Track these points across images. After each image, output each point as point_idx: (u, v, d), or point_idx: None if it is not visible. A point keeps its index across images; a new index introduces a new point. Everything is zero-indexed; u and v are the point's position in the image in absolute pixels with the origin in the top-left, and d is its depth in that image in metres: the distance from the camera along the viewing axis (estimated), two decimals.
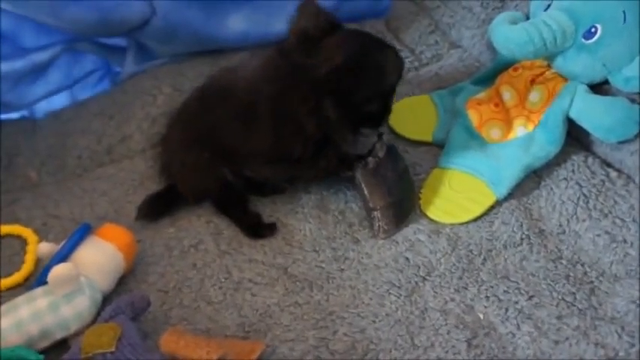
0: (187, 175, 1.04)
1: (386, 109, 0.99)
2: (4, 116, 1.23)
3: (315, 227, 1.01)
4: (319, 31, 0.94)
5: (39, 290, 0.90)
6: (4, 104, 1.18)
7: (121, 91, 1.22)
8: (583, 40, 0.99)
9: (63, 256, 0.91)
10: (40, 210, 1.09)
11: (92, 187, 1.11)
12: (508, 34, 1.00)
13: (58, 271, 0.87)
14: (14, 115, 1.25)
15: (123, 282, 0.96)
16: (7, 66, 1.14)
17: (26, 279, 0.99)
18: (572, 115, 1.01)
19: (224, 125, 1.00)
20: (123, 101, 1.20)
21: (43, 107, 1.26)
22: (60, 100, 1.27)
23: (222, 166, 1.03)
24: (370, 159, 0.97)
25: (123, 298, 0.88)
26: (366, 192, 0.97)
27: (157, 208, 1.05)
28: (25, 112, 1.27)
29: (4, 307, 0.88)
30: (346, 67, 0.91)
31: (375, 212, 0.98)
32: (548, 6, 1.03)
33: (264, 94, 0.95)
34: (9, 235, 1.06)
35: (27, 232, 1.05)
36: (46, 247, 0.93)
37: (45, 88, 1.21)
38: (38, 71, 1.18)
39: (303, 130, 0.94)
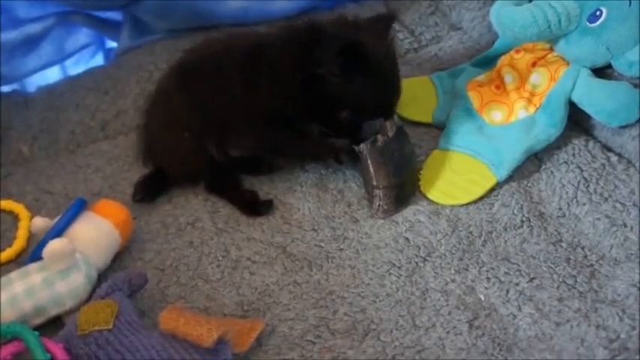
0: (173, 158, 1.02)
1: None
2: None
3: (314, 206, 1.00)
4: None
5: (33, 266, 0.88)
6: None
7: (116, 66, 1.20)
8: (587, 23, 0.99)
9: (58, 232, 0.89)
10: (33, 185, 1.07)
11: (86, 162, 1.09)
12: (512, 16, 0.99)
13: (53, 246, 0.85)
14: (5, 89, 1.22)
15: (118, 259, 0.94)
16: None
17: (18, 255, 0.98)
18: (575, 98, 1.00)
19: (209, 95, 0.98)
20: (118, 76, 1.18)
21: (34, 81, 1.23)
22: (52, 75, 1.24)
23: (207, 144, 1.01)
24: (379, 137, 0.96)
25: (119, 275, 0.87)
26: (371, 169, 0.96)
27: (152, 189, 1.03)
28: (16, 86, 1.24)
29: None
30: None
31: (378, 191, 0.97)
32: None
33: (270, 51, 0.95)
34: (1, 211, 1.04)
35: (19, 208, 1.03)
36: (40, 222, 0.91)
37: (38, 61, 1.20)
38: (31, 43, 1.16)
39: (299, 89, 0.93)
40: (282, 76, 0.94)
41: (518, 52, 1.08)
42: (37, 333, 0.80)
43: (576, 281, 0.88)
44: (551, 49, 1.05)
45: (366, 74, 0.93)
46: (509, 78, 1.06)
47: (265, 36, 0.98)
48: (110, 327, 0.79)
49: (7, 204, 1.04)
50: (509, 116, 1.04)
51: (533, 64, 1.05)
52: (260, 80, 0.95)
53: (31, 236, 0.99)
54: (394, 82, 0.98)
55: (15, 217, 1.03)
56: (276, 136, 0.99)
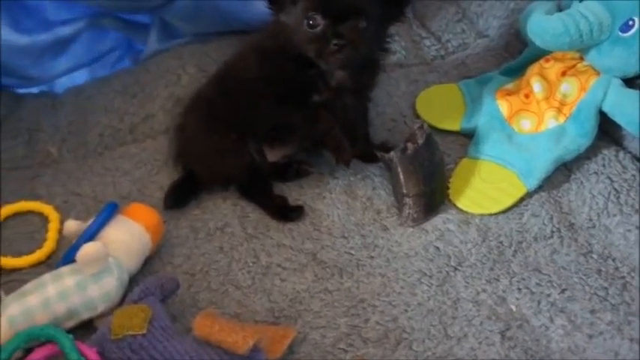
0: (210, 161, 1.03)
1: None
2: (24, 91, 1.21)
3: (344, 213, 1.00)
4: None
5: (66, 269, 0.88)
6: (27, 78, 1.17)
7: (144, 70, 1.20)
8: (620, 33, 0.98)
9: (91, 235, 0.89)
10: (61, 187, 1.07)
11: (114, 165, 1.10)
12: (544, 25, 0.99)
13: (87, 250, 0.85)
14: (34, 90, 1.23)
15: (148, 263, 0.94)
16: (30, 39, 1.12)
17: (49, 256, 0.98)
18: (606, 108, 1.00)
19: (240, 72, 1.00)
20: (146, 80, 1.18)
21: (63, 83, 1.24)
22: (80, 77, 1.25)
23: (250, 144, 1.01)
24: (409, 145, 0.96)
25: (152, 280, 0.87)
26: (401, 177, 0.96)
27: (183, 195, 1.03)
28: (45, 87, 1.24)
29: (30, 284, 0.87)
30: None
31: (408, 199, 0.97)
32: None
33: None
34: (30, 212, 1.04)
35: (48, 209, 1.03)
36: (72, 225, 0.91)
37: (67, 64, 1.20)
38: (61, 46, 1.16)
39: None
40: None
41: (547, 61, 1.07)
42: (71, 336, 0.81)
43: (608, 293, 0.88)
44: (581, 58, 1.05)
45: None
46: (538, 87, 1.06)
47: None
48: (144, 332, 0.79)
49: (37, 205, 1.04)
50: (539, 125, 1.04)
51: (563, 74, 1.05)
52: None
53: (61, 238, 0.99)
54: None
55: (44, 219, 1.03)
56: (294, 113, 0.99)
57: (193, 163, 1.05)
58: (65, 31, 1.15)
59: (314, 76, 0.96)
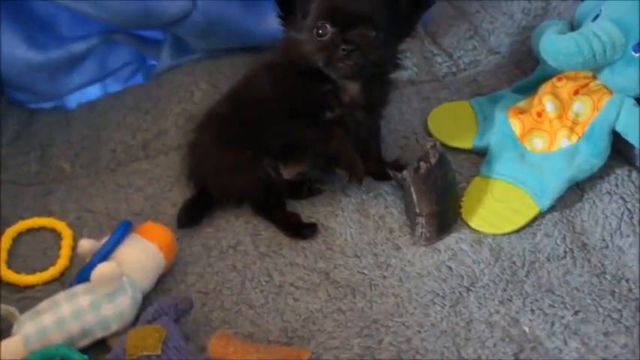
0: (224, 178, 1.03)
1: None
2: (37, 106, 1.22)
3: (356, 232, 1.00)
4: None
5: (80, 288, 0.88)
6: (40, 94, 1.17)
7: (157, 86, 1.20)
8: (632, 52, 0.98)
9: (105, 254, 0.89)
10: (74, 203, 1.07)
11: (127, 182, 1.10)
12: (557, 44, 0.99)
13: (102, 270, 0.86)
14: (47, 105, 1.23)
15: (161, 281, 0.95)
16: (44, 56, 1.13)
17: (62, 274, 0.98)
18: (619, 128, 1.00)
19: (260, 115, 1.00)
20: (158, 96, 1.18)
21: (75, 98, 1.24)
22: (92, 92, 1.25)
23: (264, 161, 1.01)
24: (422, 164, 0.96)
25: (166, 300, 0.87)
26: (414, 197, 0.96)
27: (196, 214, 1.03)
28: (57, 102, 1.25)
29: (44, 303, 0.87)
30: None
31: (420, 218, 0.97)
32: (597, 16, 1.02)
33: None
34: (43, 228, 1.04)
35: (61, 226, 1.04)
36: (87, 244, 0.91)
37: (80, 79, 1.21)
38: (75, 62, 1.17)
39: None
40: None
41: (560, 79, 1.07)
42: (86, 357, 0.81)
43: (622, 315, 0.87)
44: (594, 77, 1.05)
45: None
46: (551, 106, 1.06)
47: None
48: (159, 352, 0.79)
49: (50, 221, 1.04)
50: (552, 145, 1.04)
51: (576, 93, 1.05)
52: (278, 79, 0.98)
53: (74, 255, 1.00)
54: None
55: (57, 235, 1.03)
56: (307, 130, 1.00)
57: (207, 180, 1.05)
58: (79, 47, 1.15)
59: (326, 92, 0.96)
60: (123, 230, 0.92)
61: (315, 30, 0.92)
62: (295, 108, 0.98)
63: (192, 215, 1.03)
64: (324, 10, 0.92)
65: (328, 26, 0.91)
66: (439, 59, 1.26)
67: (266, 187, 1.02)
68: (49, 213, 1.06)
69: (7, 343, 0.83)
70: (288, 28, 0.97)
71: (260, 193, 1.03)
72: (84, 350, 0.85)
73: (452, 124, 1.13)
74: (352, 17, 0.91)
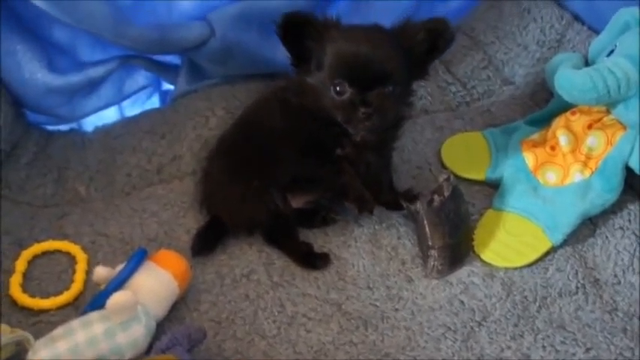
0: (235, 207, 1.03)
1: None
2: (53, 128, 1.23)
3: (369, 263, 1.01)
4: None
5: (95, 315, 0.89)
6: (59, 116, 1.18)
7: (173, 110, 1.21)
8: None
9: (120, 282, 0.90)
10: (89, 227, 1.08)
11: (142, 206, 1.11)
12: (572, 79, 1.00)
13: (118, 299, 0.86)
14: (63, 128, 1.24)
15: (174, 309, 0.95)
16: (63, 80, 1.14)
17: (76, 298, 0.99)
18: (632, 164, 1.00)
19: (265, 123, 1.01)
20: (174, 120, 1.19)
21: (91, 121, 1.26)
22: (108, 115, 1.27)
23: (272, 191, 1.02)
24: (436, 197, 0.97)
25: (179, 329, 0.87)
26: (427, 229, 0.97)
27: (210, 240, 1.04)
28: (74, 125, 1.26)
29: (59, 330, 0.87)
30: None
31: (433, 251, 0.97)
32: (611, 51, 1.03)
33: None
34: (58, 251, 1.05)
35: (76, 250, 1.04)
36: (103, 271, 0.92)
37: (97, 103, 1.22)
38: (92, 86, 1.18)
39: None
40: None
41: (574, 113, 1.08)
42: None
43: (634, 354, 0.88)
44: (608, 112, 1.05)
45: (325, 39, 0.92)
46: (564, 140, 1.06)
47: None
48: None
49: (64, 245, 1.05)
50: (565, 178, 1.05)
51: (590, 127, 1.05)
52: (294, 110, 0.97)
53: (88, 279, 1.00)
54: (362, 47, 0.92)
55: (72, 258, 1.04)
56: (316, 166, 1.00)
57: (217, 208, 1.06)
58: (97, 71, 1.17)
59: (338, 132, 0.96)
60: (138, 258, 0.93)
61: (332, 87, 0.91)
62: (305, 143, 0.98)
63: (205, 243, 1.03)
64: (342, 68, 0.91)
65: (346, 85, 0.90)
66: (453, 88, 1.26)
67: (275, 216, 1.03)
68: (64, 236, 1.07)
69: None
70: (301, 73, 0.96)
71: (269, 222, 1.03)
72: None
73: (465, 155, 1.13)
74: (372, 77, 0.90)
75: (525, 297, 0.95)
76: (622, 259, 0.98)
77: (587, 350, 0.89)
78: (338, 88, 0.91)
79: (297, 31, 0.93)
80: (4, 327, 0.88)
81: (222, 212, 1.05)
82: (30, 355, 0.86)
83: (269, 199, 1.02)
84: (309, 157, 0.98)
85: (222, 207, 1.05)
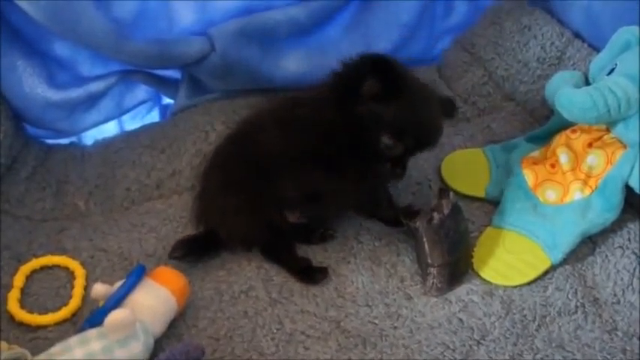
0: (230, 221, 1.03)
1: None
2: (52, 141, 1.23)
3: (368, 280, 1.00)
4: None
5: (93, 332, 0.88)
6: (58, 131, 1.19)
7: (173, 125, 1.22)
8: None
9: (119, 300, 0.90)
10: (88, 242, 1.08)
11: (141, 221, 1.10)
12: (572, 98, 1.00)
13: (116, 316, 0.86)
14: (63, 141, 1.24)
15: (173, 325, 0.94)
16: (63, 94, 1.14)
17: (74, 314, 0.98)
18: (632, 183, 1.00)
19: (262, 145, 1.00)
20: (174, 135, 1.19)
21: (91, 134, 1.26)
22: (108, 129, 1.27)
23: (267, 206, 1.02)
24: (435, 215, 0.96)
25: (178, 347, 0.87)
26: (426, 247, 0.97)
27: (194, 250, 1.03)
28: (73, 139, 1.26)
29: (57, 347, 0.87)
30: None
31: (432, 269, 0.97)
32: (612, 70, 1.03)
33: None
34: (57, 267, 1.05)
35: (74, 265, 1.04)
36: (100, 289, 0.91)
37: (97, 117, 1.23)
38: (93, 100, 1.19)
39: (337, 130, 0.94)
40: (317, 120, 0.96)
41: (574, 132, 1.08)
42: None
43: None
44: (608, 130, 1.05)
45: (402, 93, 0.91)
46: (564, 158, 1.06)
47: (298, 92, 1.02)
48: None
49: (63, 260, 1.05)
50: (564, 197, 1.05)
51: (590, 145, 1.05)
52: (297, 129, 0.97)
53: (86, 295, 1.00)
54: (433, 110, 0.95)
55: (70, 274, 1.04)
56: (322, 183, 0.99)
57: (214, 222, 1.05)
58: (97, 86, 1.17)
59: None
60: (137, 276, 0.92)
61: (385, 136, 0.91)
62: (306, 167, 0.98)
63: (188, 250, 1.02)
64: (412, 127, 0.92)
65: (399, 145, 0.92)
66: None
67: (272, 231, 1.02)
68: (62, 251, 1.07)
69: None
70: (348, 104, 0.93)
71: (266, 237, 1.03)
72: None
73: (465, 172, 1.13)
74: (430, 145, 0.95)
75: (524, 316, 0.95)
76: (621, 279, 0.97)
77: None
78: (389, 142, 0.92)
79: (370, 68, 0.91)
80: (2, 344, 0.88)
81: (218, 227, 1.04)
82: None
83: (265, 214, 1.02)
84: (312, 177, 0.98)
85: (218, 221, 1.04)
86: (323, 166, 0.97)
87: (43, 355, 0.87)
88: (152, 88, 1.27)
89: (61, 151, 1.22)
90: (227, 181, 1.03)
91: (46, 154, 1.21)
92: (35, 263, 1.04)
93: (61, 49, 1.15)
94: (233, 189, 1.02)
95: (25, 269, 1.03)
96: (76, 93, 1.16)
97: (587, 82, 1.09)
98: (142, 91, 1.27)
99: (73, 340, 0.88)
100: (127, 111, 1.27)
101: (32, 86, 1.14)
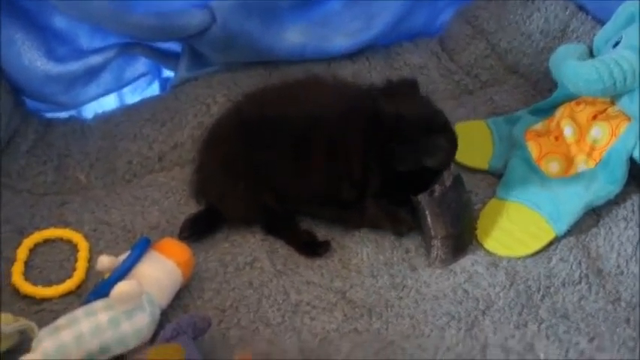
0: (228, 201, 1.03)
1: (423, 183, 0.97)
2: (52, 115, 1.22)
3: (372, 251, 1.00)
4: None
5: (99, 304, 0.88)
6: (58, 104, 1.17)
7: (174, 98, 1.21)
8: None
9: (124, 272, 0.90)
10: (90, 215, 1.08)
11: (143, 194, 1.10)
12: (577, 71, 1.00)
13: (122, 288, 0.86)
14: (63, 115, 1.23)
15: (178, 297, 0.94)
16: (63, 68, 1.13)
17: (78, 286, 0.98)
18: (636, 156, 1.00)
19: (269, 159, 0.99)
20: (175, 108, 1.18)
21: (91, 108, 1.25)
22: (108, 102, 1.26)
23: (263, 193, 1.02)
24: (437, 187, 0.96)
25: (184, 318, 0.87)
26: (429, 220, 0.97)
27: (202, 228, 1.03)
28: (73, 112, 1.25)
29: (63, 319, 0.87)
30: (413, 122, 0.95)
31: (435, 241, 0.97)
32: (617, 43, 1.03)
33: (322, 132, 0.96)
34: (59, 239, 1.05)
35: (78, 237, 1.04)
36: (106, 261, 0.91)
37: (97, 90, 1.21)
38: (92, 73, 1.18)
39: (350, 172, 0.96)
40: (342, 159, 0.96)
41: (578, 104, 1.08)
42: None
43: (637, 344, 0.88)
44: (612, 103, 1.05)
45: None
46: (569, 130, 1.06)
47: (324, 108, 0.99)
48: None
49: (66, 232, 1.05)
50: (569, 169, 1.05)
51: (594, 117, 1.05)
52: (316, 161, 0.97)
53: (90, 267, 1.00)
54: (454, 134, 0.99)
55: (73, 246, 1.04)
56: (339, 212, 1.02)
57: (213, 198, 1.05)
58: (97, 59, 1.16)
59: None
60: (142, 247, 0.92)
61: (434, 185, 0.95)
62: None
63: (196, 228, 1.03)
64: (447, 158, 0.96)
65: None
66: (456, 77, 1.26)
67: (270, 211, 1.02)
68: (64, 224, 1.06)
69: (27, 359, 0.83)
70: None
71: (265, 217, 1.03)
72: None
73: (468, 144, 1.12)
74: None
75: (529, 286, 0.95)
76: (625, 250, 0.98)
77: (591, 340, 0.89)
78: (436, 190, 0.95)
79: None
80: (8, 316, 0.87)
81: (217, 204, 1.04)
82: (34, 344, 0.85)
83: (262, 199, 1.02)
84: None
85: (217, 199, 1.04)
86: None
87: (49, 328, 0.86)
88: (152, 61, 1.26)
89: (61, 125, 1.20)
90: (224, 160, 1.02)
91: (46, 127, 1.20)
92: (38, 236, 1.04)
93: (60, 22, 1.14)
94: (231, 169, 1.01)
95: (29, 242, 1.03)
96: (75, 66, 1.15)
97: (591, 55, 1.08)
98: (141, 64, 1.25)
99: (79, 312, 0.88)
100: (127, 84, 1.26)
101: (31, 59, 1.12)
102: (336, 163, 0.96)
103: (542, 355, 0.88)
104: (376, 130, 0.94)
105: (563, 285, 0.96)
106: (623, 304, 0.93)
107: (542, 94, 1.19)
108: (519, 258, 0.99)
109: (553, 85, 1.15)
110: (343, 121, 0.96)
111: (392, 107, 0.95)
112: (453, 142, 0.98)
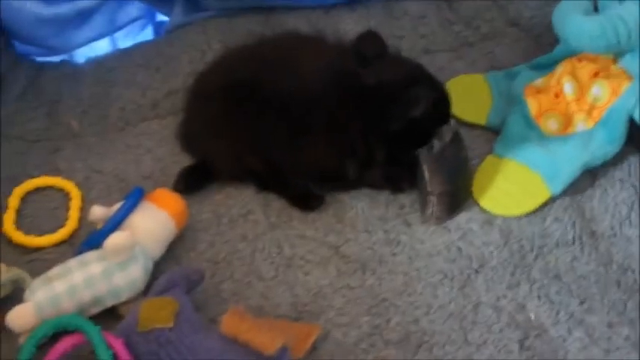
0: (214, 160, 1.01)
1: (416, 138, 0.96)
2: (44, 59, 1.19)
3: (367, 206, 1.00)
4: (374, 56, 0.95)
5: (92, 255, 0.88)
6: (49, 48, 1.15)
7: (168, 43, 1.18)
8: None
9: (117, 222, 0.89)
10: (82, 162, 1.06)
11: (136, 142, 1.08)
12: (581, 26, 0.97)
13: (116, 239, 0.85)
14: (55, 59, 1.20)
15: (171, 248, 0.94)
16: (54, 10, 1.10)
17: (71, 235, 0.98)
18: (636, 116, 0.99)
19: (264, 131, 0.97)
20: (169, 54, 1.16)
21: (83, 52, 1.22)
22: (100, 47, 1.23)
23: (246, 156, 1.00)
24: (436, 142, 0.95)
25: (177, 271, 0.87)
26: (426, 175, 0.96)
27: (196, 181, 1.02)
28: (65, 56, 1.22)
29: (56, 269, 0.87)
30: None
31: (432, 197, 0.97)
32: None
33: (321, 108, 0.94)
34: (51, 188, 1.04)
35: (70, 186, 1.03)
36: (99, 211, 0.91)
37: (89, 34, 1.18)
38: (84, 16, 1.14)
39: (354, 149, 0.94)
40: (341, 135, 0.94)
41: (580, 60, 1.06)
42: (98, 327, 0.81)
43: (626, 307, 0.88)
44: (614, 61, 1.03)
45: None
46: (569, 88, 1.04)
47: (314, 74, 0.96)
48: (171, 325, 0.80)
49: (59, 181, 1.03)
50: (567, 127, 1.04)
51: (595, 75, 1.03)
52: (315, 138, 0.94)
53: (82, 216, 0.99)
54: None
55: (65, 195, 1.03)
56: (337, 184, 1.00)
57: (201, 153, 1.04)
58: (88, 2, 1.13)
59: None
60: (135, 198, 0.91)
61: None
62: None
63: (190, 182, 1.01)
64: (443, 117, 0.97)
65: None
66: (456, 28, 1.23)
67: (257, 174, 1.01)
68: (56, 171, 1.05)
69: (19, 309, 0.83)
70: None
71: (253, 176, 1.02)
72: (93, 317, 0.85)
73: (466, 98, 1.11)
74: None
75: (522, 246, 0.95)
76: (620, 212, 0.97)
77: (581, 302, 0.89)
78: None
79: None
80: (1, 265, 0.87)
81: (205, 158, 1.02)
82: (27, 294, 0.85)
83: (247, 162, 1.00)
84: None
85: (204, 156, 1.02)
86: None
87: (41, 278, 0.86)
88: (146, 5, 1.22)
89: (52, 70, 1.18)
90: (207, 119, 1.00)
91: (37, 72, 1.17)
92: (29, 184, 1.03)
93: None
94: (213, 129, 0.99)
95: (20, 191, 1.02)
96: (66, 8, 1.12)
97: (596, 10, 1.06)
98: (134, 8, 1.22)
99: (72, 262, 0.88)
100: (120, 28, 1.23)
101: (21, 1, 1.08)
102: (337, 143, 0.94)
103: (532, 316, 0.89)
104: (364, 103, 0.93)
105: (557, 246, 0.95)
106: (614, 266, 0.93)
107: (543, 48, 1.16)
108: (514, 217, 0.99)
109: (555, 39, 1.12)
110: (334, 100, 0.94)
111: (371, 76, 0.93)
112: (438, 91, 0.97)
